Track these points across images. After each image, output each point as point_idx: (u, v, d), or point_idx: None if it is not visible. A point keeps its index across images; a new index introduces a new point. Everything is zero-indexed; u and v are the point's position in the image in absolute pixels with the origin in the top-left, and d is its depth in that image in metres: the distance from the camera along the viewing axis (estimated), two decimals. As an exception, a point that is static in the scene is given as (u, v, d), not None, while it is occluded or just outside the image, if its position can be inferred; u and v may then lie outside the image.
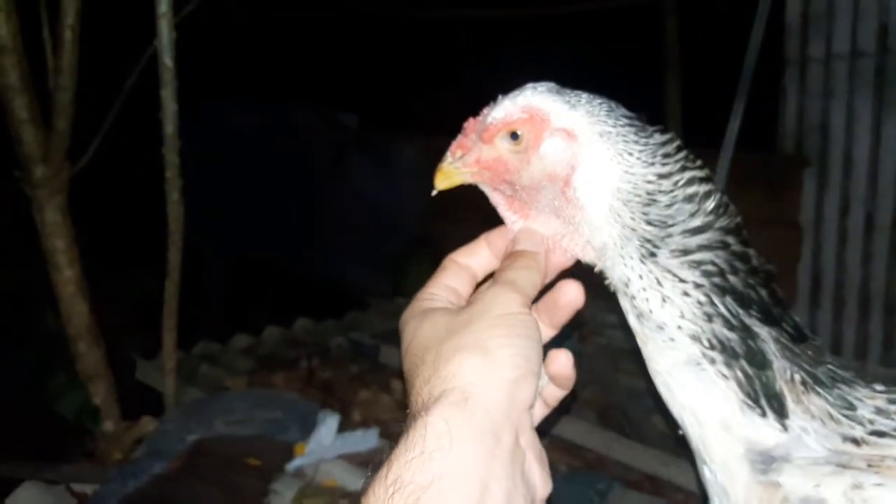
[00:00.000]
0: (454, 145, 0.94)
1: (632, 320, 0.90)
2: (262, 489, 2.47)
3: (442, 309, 0.84)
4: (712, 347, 0.84)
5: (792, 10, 4.71)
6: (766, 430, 0.84)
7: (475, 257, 0.93)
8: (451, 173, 0.94)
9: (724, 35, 4.75)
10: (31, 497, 2.49)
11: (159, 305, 2.90)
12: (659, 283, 0.86)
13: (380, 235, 6.29)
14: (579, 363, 0.88)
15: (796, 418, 0.84)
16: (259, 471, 2.58)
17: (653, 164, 0.87)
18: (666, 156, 0.87)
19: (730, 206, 0.88)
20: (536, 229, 0.92)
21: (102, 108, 2.80)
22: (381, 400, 3.07)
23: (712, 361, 0.84)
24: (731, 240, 0.87)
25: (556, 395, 0.89)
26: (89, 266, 2.94)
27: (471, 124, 0.93)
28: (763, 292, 0.87)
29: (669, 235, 0.86)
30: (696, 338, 0.85)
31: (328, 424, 2.78)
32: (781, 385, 0.84)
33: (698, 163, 0.89)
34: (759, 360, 0.84)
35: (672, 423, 0.92)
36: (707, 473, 0.90)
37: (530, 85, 0.91)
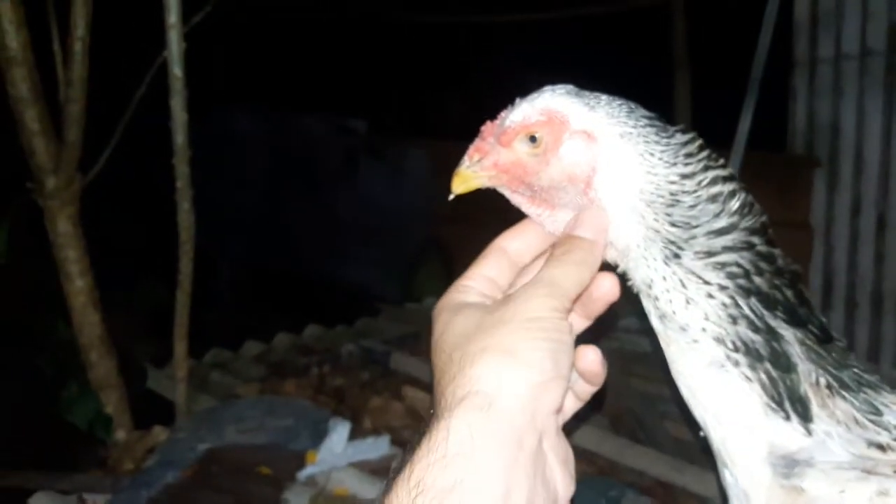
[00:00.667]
0: (471, 149, 0.93)
1: (654, 322, 0.89)
2: (274, 498, 2.47)
3: (475, 305, 0.83)
4: (736, 350, 0.84)
5: (801, 10, 4.70)
6: (789, 434, 0.83)
7: (522, 239, 0.90)
8: (469, 177, 0.93)
9: (733, 36, 4.73)
10: (44, 507, 2.51)
11: (170, 314, 2.91)
12: (683, 285, 0.85)
13: (389, 240, 6.30)
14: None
15: (821, 422, 0.83)
16: (271, 479, 2.58)
17: (675, 164, 0.86)
18: (688, 155, 0.86)
19: (754, 205, 0.87)
20: (602, 213, 0.88)
21: (113, 118, 2.82)
22: (393, 407, 3.06)
23: (736, 364, 0.84)
24: (756, 240, 0.86)
25: (587, 389, 0.88)
26: (101, 275, 2.95)
27: (488, 127, 0.93)
28: (789, 293, 0.86)
29: (694, 237, 0.85)
30: (720, 340, 0.84)
31: (339, 432, 2.78)
32: (806, 388, 0.83)
33: (721, 162, 0.88)
34: (783, 363, 0.83)
35: (694, 426, 0.92)
36: (728, 477, 0.89)
37: (548, 88, 0.90)
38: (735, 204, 0.86)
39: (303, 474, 2.63)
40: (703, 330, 0.84)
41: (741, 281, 0.84)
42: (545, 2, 5.49)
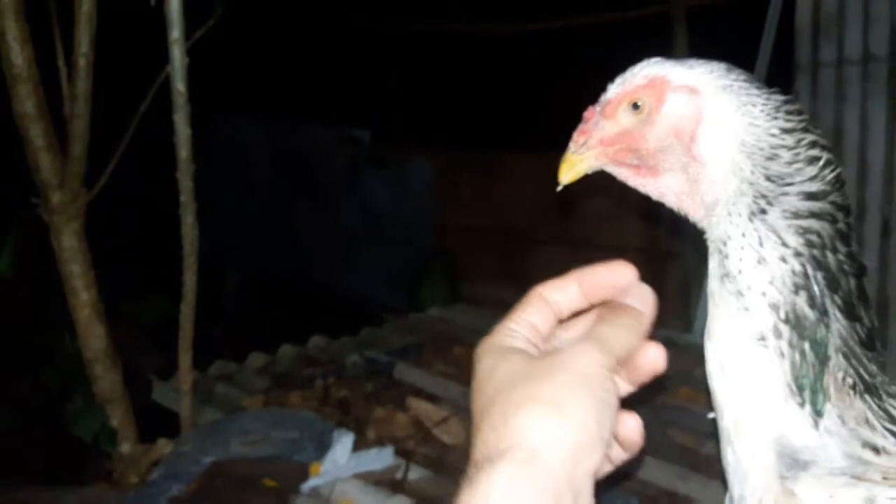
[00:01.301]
0: (576, 134, 0.94)
1: (713, 284, 0.89)
2: (279, 510, 2.48)
3: (521, 351, 0.82)
4: (787, 321, 0.84)
5: (802, 15, 4.69)
6: (799, 423, 0.83)
7: (562, 293, 0.88)
8: (576, 162, 0.94)
9: (734, 42, 4.74)
10: (51, 521, 2.52)
11: (176, 326, 2.92)
12: (761, 242, 0.85)
13: (394, 250, 6.30)
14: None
15: (828, 419, 0.83)
16: (275, 492, 2.59)
17: (776, 118, 0.87)
18: (789, 112, 0.87)
19: (845, 185, 0.88)
20: (646, 288, 0.87)
21: (117, 133, 2.84)
22: (396, 418, 3.07)
23: (779, 336, 0.84)
24: (839, 216, 0.86)
25: (621, 455, 0.86)
26: (106, 289, 2.97)
27: (589, 112, 0.95)
28: (852, 283, 0.86)
29: (785, 194, 0.85)
30: (775, 307, 0.84)
31: (343, 443, 2.79)
32: (829, 382, 0.84)
33: (820, 131, 0.89)
34: (820, 351, 0.84)
35: (708, 406, 0.92)
36: (730, 456, 0.90)
37: (642, 62, 0.92)
38: (830, 174, 0.86)
39: (307, 486, 2.64)
40: (763, 294, 0.84)
41: (816, 252, 0.84)
42: (545, 13, 5.50)
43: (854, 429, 0.84)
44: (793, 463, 0.84)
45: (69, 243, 2.78)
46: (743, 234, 0.87)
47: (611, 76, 0.96)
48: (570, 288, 0.89)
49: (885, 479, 0.81)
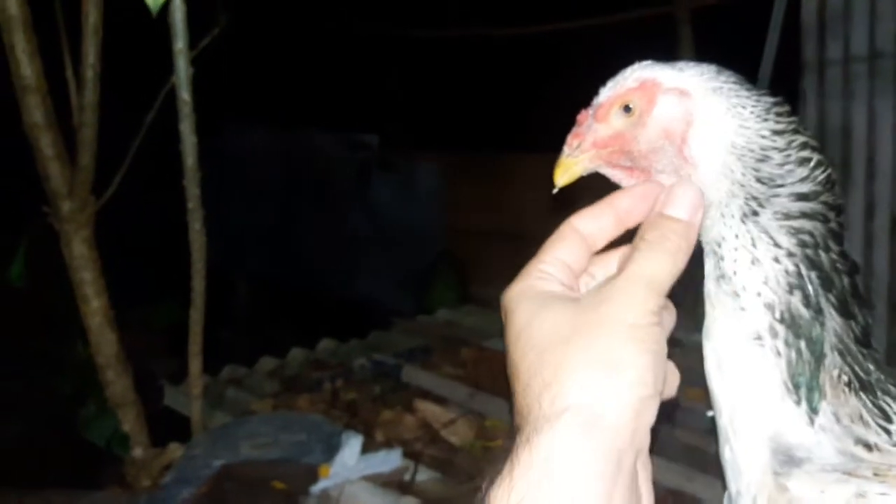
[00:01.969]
0: (569, 137, 0.95)
1: (709, 284, 0.90)
2: (288, 512, 2.50)
3: (562, 297, 0.78)
4: (782, 321, 0.84)
5: (808, 12, 4.68)
6: (795, 421, 0.84)
7: (596, 223, 0.85)
8: (570, 164, 0.94)
9: (738, 42, 4.73)
10: (64, 525, 2.56)
11: (186, 331, 2.95)
12: (754, 244, 0.86)
13: (402, 254, 6.33)
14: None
15: (823, 417, 0.84)
16: (285, 494, 2.61)
17: (767, 119, 0.87)
18: (779, 114, 0.87)
19: (836, 185, 0.88)
20: (695, 186, 0.86)
21: (125, 142, 2.88)
22: (404, 420, 3.09)
23: (775, 335, 0.84)
24: (831, 216, 0.86)
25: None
26: (117, 295, 3.00)
27: (582, 115, 0.95)
28: (846, 281, 0.86)
29: (776, 195, 0.86)
30: (770, 307, 0.84)
31: (352, 446, 2.81)
32: (825, 380, 0.84)
33: (810, 132, 0.90)
34: (816, 348, 0.85)
35: (707, 405, 0.92)
36: (727, 453, 0.90)
37: (634, 65, 0.93)
38: (821, 175, 0.86)
39: (316, 488, 2.67)
40: (758, 294, 0.85)
41: (809, 251, 0.85)
42: (548, 15, 5.52)
43: (848, 426, 0.85)
44: (787, 460, 0.86)
45: (80, 251, 2.82)
46: (736, 236, 0.87)
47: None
48: (605, 215, 0.85)
49: (875, 475, 0.82)
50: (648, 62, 0.93)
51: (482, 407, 3.16)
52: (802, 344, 0.84)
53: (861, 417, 0.85)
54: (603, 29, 5.21)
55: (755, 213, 0.87)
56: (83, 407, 3.12)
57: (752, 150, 0.87)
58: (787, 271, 0.85)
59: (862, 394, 0.85)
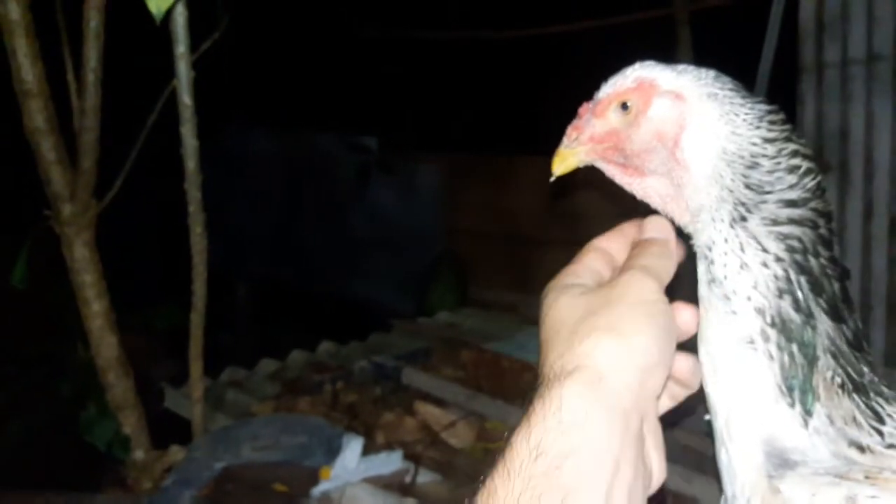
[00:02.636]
0: (569, 128, 0.98)
1: (702, 288, 0.91)
2: (289, 514, 2.51)
3: (580, 286, 0.86)
4: (773, 325, 0.85)
5: (806, 15, 4.69)
6: (789, 423, 0.85)
7: (614, 244, 0.94)
8: (568, 155, 0.97)
9: (737, 44, 4.74)
10: (66, 527, 2.56)
11: (186, 334, 2.96)
12: (742, 248, 0.87)
13: (402, 256, 6.34)
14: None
15: (817, 419, 0.85)
16: (286, 496, 2.62)
17: (759, 127, 0.89)
18: (772, 122, 0.89)
19: (826, 192, 0.90)
20: (662, 218, 0.94)
21: (126, 145, 2.89)
22: (405, 422, 3.10)
23: (766, 339, 0.85)
24: (821, 222, 0.88)
25: (681, 392, 0.90)
26: (118, 298, 3.01)
27: (584, 108, 0.97)
28: (836, 286, 0.87)
29: (764, 202, 0.87)
30: (761, 311, 0.86)
31: (352, 448, 2.82)
32: (818, 382, 0.85)
33: (803, 140, 0.91)
34: (808, 351, 0.85)
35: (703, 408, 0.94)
36: (723, 456, 0.91)
37: (636, 64, 0.95)
38: (811, 182, 0.88)
39: (317, 490, 2.67)
40: (748, 299, 0.86)
41: (798, 257, 0.86)
42: (548, 17, 5.53)
43: (842, 428, 0.86)
44: (781, 462, 0.86)
45: (81, 254, 2.83)
46: (725, 240, 0.89)
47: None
48: (619, 239, 0.94)
49: (867, 478, 0.83)
50: (650, 62, 0.95)
51: (482, 409, 3.17)
52: (794, 347, 0.85)
53: (854, 419, 0.86)
54: (603, 31, 5.22)
55: (743, 219, 0.88)
56: (84, 410, 3.13)
57: (742, 157, 0.88)
58: (775, 276, 0.86)
59: (855, 395, 0.86)
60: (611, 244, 0.93)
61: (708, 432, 0.96)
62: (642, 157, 0.94)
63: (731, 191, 0.89)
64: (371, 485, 2.66)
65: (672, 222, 0.97)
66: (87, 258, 2.85)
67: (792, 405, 0.86)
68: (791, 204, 0.87)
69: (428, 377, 3.47)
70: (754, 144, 0.88)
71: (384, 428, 3.08)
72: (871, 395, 0.88)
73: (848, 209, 4.61)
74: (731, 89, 0.91)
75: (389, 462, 2.80)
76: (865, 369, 0.89)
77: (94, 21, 2.60)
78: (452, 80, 6.90)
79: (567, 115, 0.99)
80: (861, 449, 0.85)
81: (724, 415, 0.90)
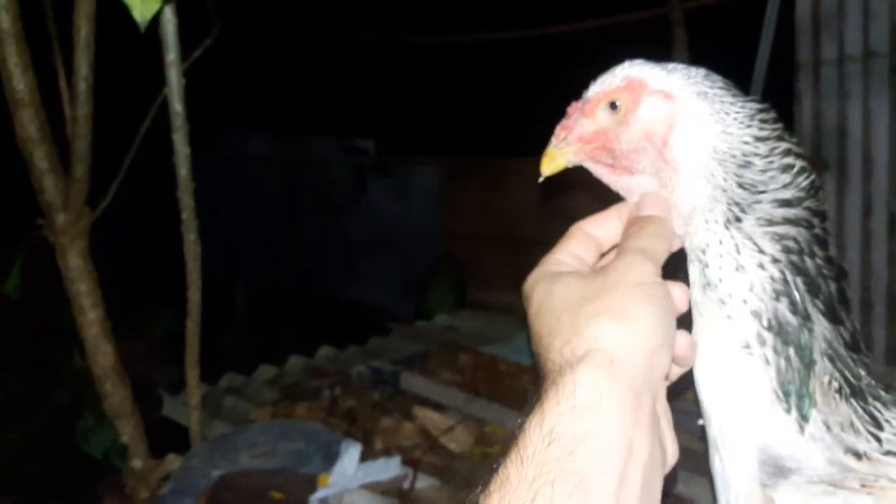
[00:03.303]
0: (558, 128, 0.96)
1: (696, 292, 0.90)
2: (287, 522, 2.50)
3: (573, 273, 0.85)
4: (769, 328, 0.84)
5: (802, 12, 4.69)
6: (785, 430, 0.84)
7: (603, 228, 0.93)
8: (556, 155, 0.96)
9: (734, 43, 4.73)
10: (63, 537, 2.55)
11: (183, 340, 2.95)
12: (738, 250, 0.86)
13: (400, 259, 6.33)
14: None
15: (813, 425, 0.84)
16: (283, 504, 2.61)
17: (750, 126, 0.87)
18: (763, 121, 0.88)
19: (820, 191, 0.89)
20: (661, 194, 0.92)
21: (119, 153, 2.88)
22: (403, 427, 3.08)
23: (763, 343, 0.84)
24: (816, 221, 0.87)
25: (676, 371, 0.90)
26: (113, 306, 3.00)
27: (572, 108, 0.96)
28: (832, 286, 0.87)
29: (758, 202, 0.86)
30: (757, 314, 0.85)
31: (350, 454, 2.81)
32: (815, 386, 0.84)
33: (796, 139, 0.90)
34: (805, 355, 0.84)
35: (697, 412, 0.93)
36: (717, 463, 0.91)
37: (626, 62, 0.94)
38: (804, 181, 0.87)
39: (315, 497, 2.66)
40: (744, 302, 0.85)
41: (794, 257, 0.85)
42: (546, 18, 5.52)
43: (838, 434, 0.85)
44: (776, 471, 0.85)
45: (75, 263, 2.82)
46: (720, 242, 0.87)
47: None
48: (611, 222, 0.93)
49: (863, 486, 0.82)
50: (639, 61, 0.93)
51: (481, 413, 3.16)
52: (791, 351, 0.84)
53: (852, 425, 0.85)
54: (599, 31, 5.22)
55: (738, 219, 0.87)
56: (81, 418, 3.12)
57: (733, 156, 0.87)
58: (772, 278, 0.85)
59: (853, 399, 0.85)
60: (598, 228, 0.93)
61: (702, 436, 0.94)
62: (631, 157, 0.93)
63: (724, 190, 0.87)
64: (369, 491, 2.65)
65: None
66: (81, 267, 2.84)
67: (788, 411, 0.84)
68: (786, 203, 0.86)
69: (426, 382, 3.46)
70: (746, 143, 0.87)
71: (382, 433, 3.07)
72: (869, 399, 0.87)
73: (847, 206, 4.60)
74: (721, 88, 0.89)
75: (388, 468, 2.79)
76: (863, 372, 0.88)
77: (84, 29, 2.59)
78: (449, 83, 6.90)
79: (563, 115, 0.98)
80: (858, 456, 0.83)
81: (719, 421, 0.89)
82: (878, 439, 0.85)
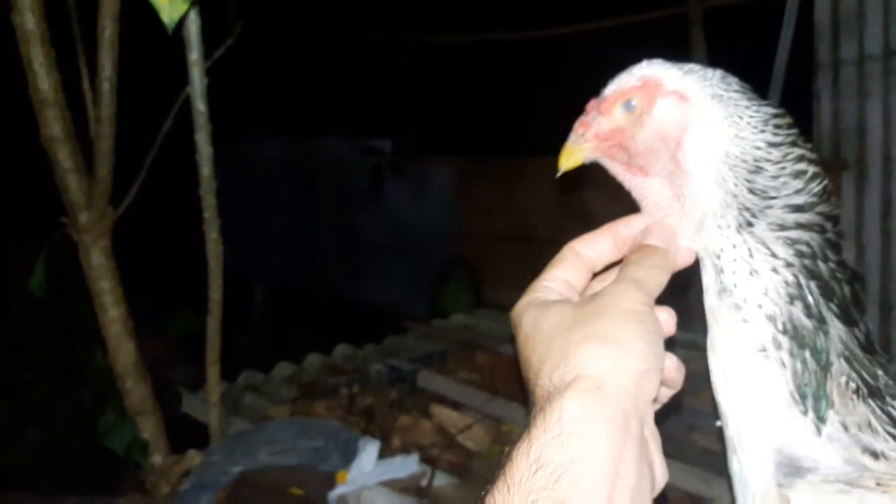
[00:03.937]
0: (577, 124, 0.97)
1: (710, 297, 0.90)
2: (306, 519, 2.52)
3: (563, 301, 0.86)
4: (784, 332, 0.84)
5: (821, 12, 4.66)
6: (802, 431, 0.84)
7: (596, 248, 0.93)
8: (574, 151, 0.96)
9: (752, 43, 4.71)
10: (86, 532, 2.59)
11: (203, 339, 2.98)
12: (751, 254, 0.86)
13: (416, 258, 6.35)
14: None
15: (830, 426, 0.84)
16: (302, 500, 2.63)
17: (764, 131, 0.87)
18: (778, 126, 0.88)
19: (833, 196, 0.89)
20: (668, 224, 0.92)
21: (141, 153, 2.91)
22: (421, 425, 3.09)
23: (778, 347, 0.85)
24: (828, 226, 0.87)
25: (665, 393, 0.90)
26: (135, 304, 3.04)
27: (591, 104, 0.96)
28: (846, 289, 0.87)
29: (770, 207, 0.86)
30: (772, 319, 0.85)
31: (369, 452, 2.82)
32: (832, 388, 0.84)
33: (810, 145, 0.90)
34: (821, 357, 0.84)
35: (715, 413, 0.93)
36: (735, 464, 0.91)
37: (644, 61, 0.94)
38: (817, 187, 0.87)
39: (334, 494, 2.67)
40: (759, 306, 0.85)
41: (807, 261, 0.85)
42: (558, 18, 5.52)
43: (855, 434, 0.85)
44: (792, 471, 0.85)
45: (98, 261, 2.86)
46: (734, 246, 0.87)
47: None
48: (604, 242, 0.93)
49: (878, 485, 0.82)
50: (657, 60, 0.93)
51: (498, 411, 3.17)
52: (807, 354, 0.84)
53: (869, 425, 0.84)
54: (615, 31, 5.21)
55: (750, 224, 0.87)
56: (102, 415, 3.16)
57: (745, 161, 0.87)
58: (786, 282, 0.85)
59: (870, 400, 0.85)
60: (591, 248, 0.93)
61: (720, 437, 0.95)
62: (646, 157, 0.93)
63: (734, 196, 0.87)
64: (387, 488, 2.66)
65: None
66: (103, 265, 2.87)
67: (805, 413, 0.84)
68: (798, 209, 0.86)
69: (443, 380, 3.47)
70: (758, 149, 0.87)
71: (400, 431, 3.08)
72: (887, 399, 0.87)
73: (866, 206, 4.57)
74: (736, 91, 0.89)
75: (406, 465, 2.80)
76: (880, 372, 0.88)
77: (108, 30, 2.62)
78: (464, 83, 6.91)
79: (578, 115, 0.99)
80: (875, 455, 0.83)
81: (736, 424, 0.89)
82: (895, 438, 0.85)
